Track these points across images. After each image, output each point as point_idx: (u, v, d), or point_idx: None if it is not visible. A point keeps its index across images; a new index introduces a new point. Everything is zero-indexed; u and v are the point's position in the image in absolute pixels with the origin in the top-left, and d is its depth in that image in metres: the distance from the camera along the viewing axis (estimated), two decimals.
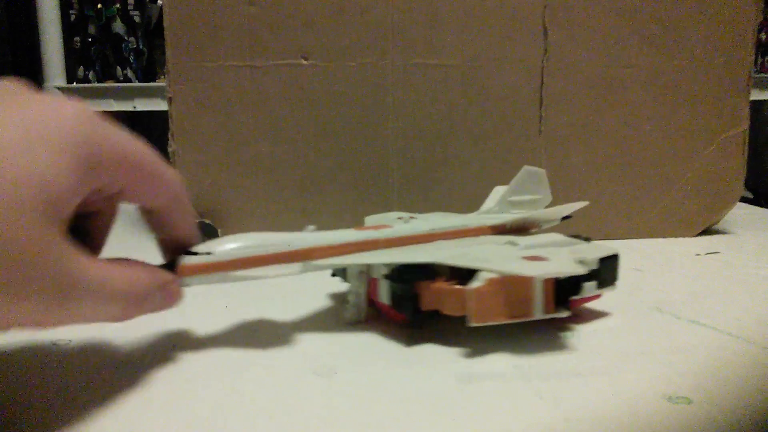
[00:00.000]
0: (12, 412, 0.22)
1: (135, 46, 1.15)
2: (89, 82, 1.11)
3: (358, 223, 0.33)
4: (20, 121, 0.19)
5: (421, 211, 0.38)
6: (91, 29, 1.13)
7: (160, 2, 1.04)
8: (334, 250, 0.28)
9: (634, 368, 0.25)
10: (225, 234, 0.45)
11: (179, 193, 0.24)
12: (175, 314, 0.31)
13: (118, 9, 1.13)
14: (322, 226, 0.29)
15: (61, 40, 1.05)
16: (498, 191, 0.38)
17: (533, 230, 0.35)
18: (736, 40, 0.46)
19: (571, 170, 0.46)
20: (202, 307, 0.31)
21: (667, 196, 0.47)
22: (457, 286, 0.27)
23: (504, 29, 0.44)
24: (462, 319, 0.26)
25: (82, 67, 1.13)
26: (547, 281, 0.26)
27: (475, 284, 0.26)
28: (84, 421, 0.21)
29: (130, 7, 1.14)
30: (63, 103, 0.20)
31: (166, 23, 0.43)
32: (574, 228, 0.35)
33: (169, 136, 0.44)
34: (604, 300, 0.31)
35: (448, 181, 0.46)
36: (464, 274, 0.27)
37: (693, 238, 0.48)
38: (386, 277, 0.28)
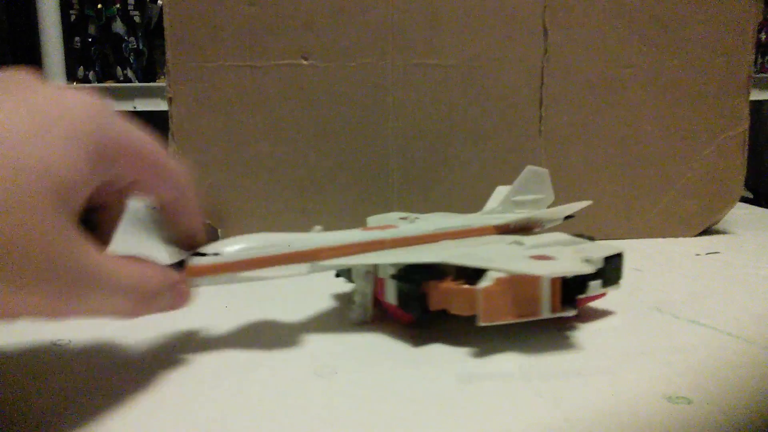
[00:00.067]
0: (12, 412, 0.22)
1: (135, 46, 1.15)
2: (89, 82, 1.11)
3: (358, 223, 0.33)
4: (31, 110, 0.18)
5: (421, 211, 0.38)
6: (92, 29, 1.13)
7: (160, 2, 1.04)
8: (341, 251, 0.28)
9: (634, 368, 0.25)
10: (225, 234, 0.45)
11: (187, 188, 0.24)
12: (176, 314, 0.31)
13: (118, 9, 1.13)
14: (323, 227, 0.29)
15: (61, 40, 1.05)
16: (500, 191, 0.38)
17: (536, 230, 0.35)
18: (736, 40, 0.46)
19: (571, 170, 0.46)
20: (203, 307, 0.31)
21: (666, 196, 0.47)
22: (466, 286, 0.27)
23: (504, 29, 0.44)
24: (467, 319, 0.26)
25: (82, 67, 1.13)
26: (554, 280, 0.27)
27: (484, 283, 0.26)
28: (84, 421, 0.21)
29: (130, 8, 1.14)
30: (74, 94, 0.20)
31: (166, 23, 0.43)
32: (575, 228, 0.35)
33: (169, 136, 0.44)
34: (605, 300, 0.31)
35: (448, 181, 0.46)
36: (470, 274, 0.27)
37: (693, 238, 0.48)
38: (393, 277, 0.28)
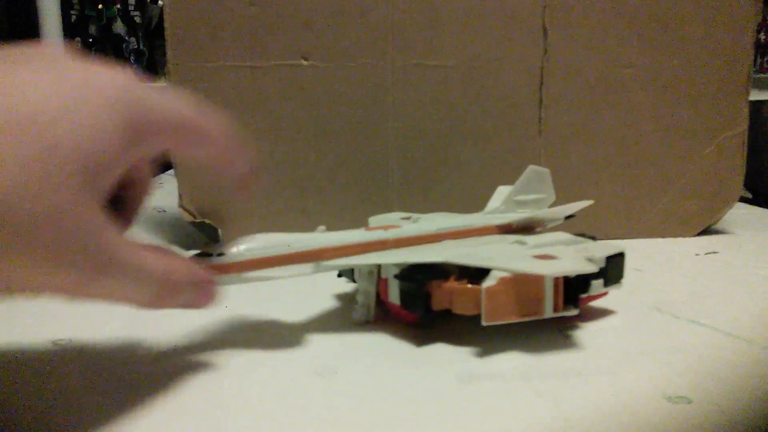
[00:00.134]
0: (12, 412, 0.22)
1: (135, 46, 1.15)
2: None
3: (359, 224, 0.33)
4: (61, 86, 0.18)
5: (421, 211, 0.38)
6: (92, 30, 1.13)
7: (161, 3, 1.04)
8: (345, 251, 0.28)
9: (633, 368, 0.25)
10: (225, 234, 0.45)
11: (224, 141, 0.24)
12: (176, 314, 0.31)
13: (118, 9, 1.13)
14: (326, 227, 0.29)
15: (62, 41, 1.05)
16: (502, 191, 0.38)
17: (538, 229, 0.35)
18: (735, 40, 0.46)
19: (571, 170, 0.46)
20: None
21: (666, 196, 0.47)
22: (469, 286, 0.27)
23: (504, 29, 0.44)
24: (470, 319, 0.26)
25: None
26: (557, 280, 0.27)
27: (488, 283, 0.26)
28: (84, 421, 0.21)
29: (130, 8, 1.14)
30: (105, 70, 0.20)
31: (166, 24, 0.43)
32: (574, 227, 0.35)
33: None
34: (605, 300, 0.31)
35: (448, 181, 0.46)
36: (473, 274, 0.27)
37: (692, 238, 0.48)
38: (396, 276, 0.28)
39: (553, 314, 0.27)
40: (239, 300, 0.33)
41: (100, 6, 1.10)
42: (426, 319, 0.28)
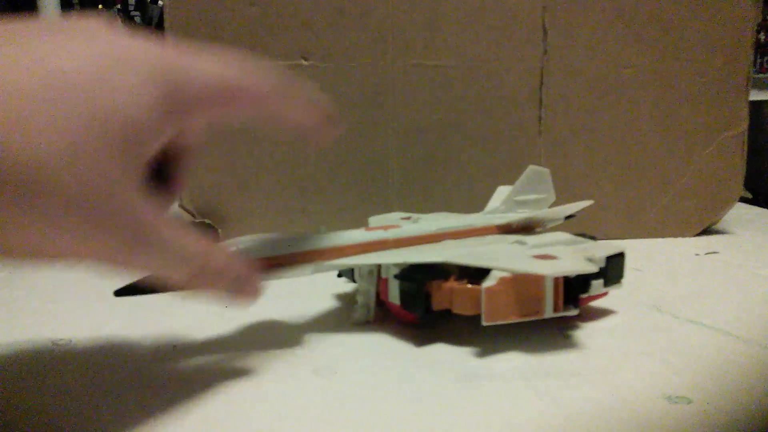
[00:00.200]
0: (12, 412, 0.22)
1: None
2: None
3: (359, 223, 0.33)
4: (99, 55, 0.18)
5: (421, 211, 0.38)
6: None
7: (161, 3, 1.04)
8: (345, 251, 0.28)
9: (633, 368, 0.25)
10: (225, 234, 0.45)
11: (284, 97, 0.23)
12: (176, 314, 0.31)
13: (118, 9, 1.13)
14: (325, 227, 0.29)
15: None
16: (502, 191, 0.38)
17: (538, 229, 0.35)
18: (735, 41, 0.46)
19: (571, 170, 0.46)
20: (203, 307, 0.31)
21: (666, 196, 0.47)
22: (469, 286, 0.27)
23: (504, 30, 0.44)
24: (470, 319, 0.26)
25: None
26: (557, 280, 0.27)
27: (488, 283, 0.26)
28: (84, 421, 0.21)
29: (130, 8, 1.14)
30: (145, 41, 0.19)
31: (167, 24, 0.43)
32: (574, 228, 0.35)
33: None
34: (605, 300, 0.31)
35: (448, 181, 0.46)
36: (473, 274, 0.27)
37: (692, 238, 0.48)
38: (396, 276, 0.28)
39: (553, 314, 0.27)
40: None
41: (100, 6, 1.10)
42: (426, 319, 0.28)
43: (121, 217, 0.18)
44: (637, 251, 0.43)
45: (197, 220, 0.44)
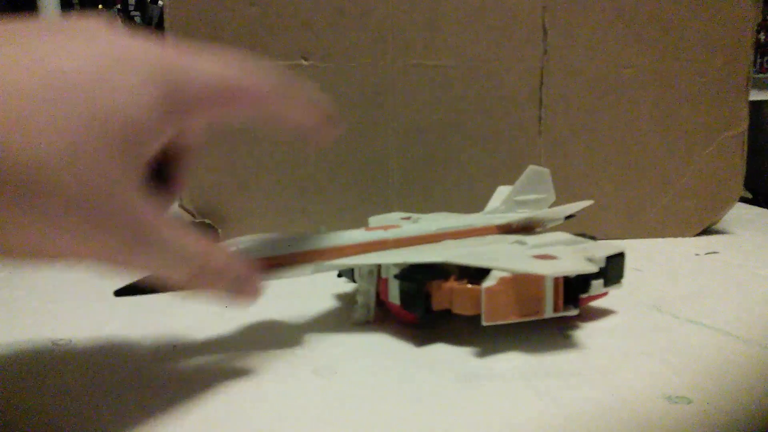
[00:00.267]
0: (12, 412, 0.22)
1: None
2: None
3: (359, 224, 0.33)
4: (100, 56, 0.18)
5: (421, 211, 0.38)
6: None
7: (161, 3, 1.04)
8: (345, 251, 0.28)
9: (633, 368, 0.25)
10: (225, 234, 0.45)
11: (284, 97, 0.23)
12: (176, 314, 0.31)
13: (118, 9, 1.13)
14: (325, 227, 0.29)
15: None
16: (502, 191, 0.38)
17: (538, 229, 0.35)
18: (735, 41, 0.46)
19: (571, 170, 0.46)
20: (203, 307, 0.31)
21: (666, 196, 0.47)
22: (469, 286, 0.27)
23: (504, 30, 0.44)
24: (470, 319, 0.26)
25: None
26: (557, 280, 0.27)
27: (488, 283, 0.26)
28: (84, 421, 0.21)
29: (130, 8, 1.14)
30: (145, 41, 0.19)
31: (167, 24, 0.43)
32: (574, 228, 0.35)
33: None
34: (604, 300, 0.31)
35: (448, 181, 0.46)
36: (473, 274, 0.27)
37: (692, 238, 0.48)
38: (396, 276, 0.28)
39: (553, 314, 0.27)
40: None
41: (100, 6, 1.10)
42: (426, 319, 0.28)
43: (121, 217, 0.18)
44: (637, 251, 0.43)
45: (197, 220, 0.44)
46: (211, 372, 0.25)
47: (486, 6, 0.44)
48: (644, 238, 0.47)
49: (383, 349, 0.27)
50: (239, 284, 0.23)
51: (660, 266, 0.40)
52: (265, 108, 0.23)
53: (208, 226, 0.45)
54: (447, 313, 0.27)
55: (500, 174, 0.43)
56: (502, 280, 0.26)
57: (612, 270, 0.30)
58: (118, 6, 1.11)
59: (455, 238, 0.32)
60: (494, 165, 0.46)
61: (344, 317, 0.31)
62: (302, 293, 0.33)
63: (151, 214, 0.19)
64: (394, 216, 0.37)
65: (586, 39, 0.45)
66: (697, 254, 0.43)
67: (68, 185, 0.16)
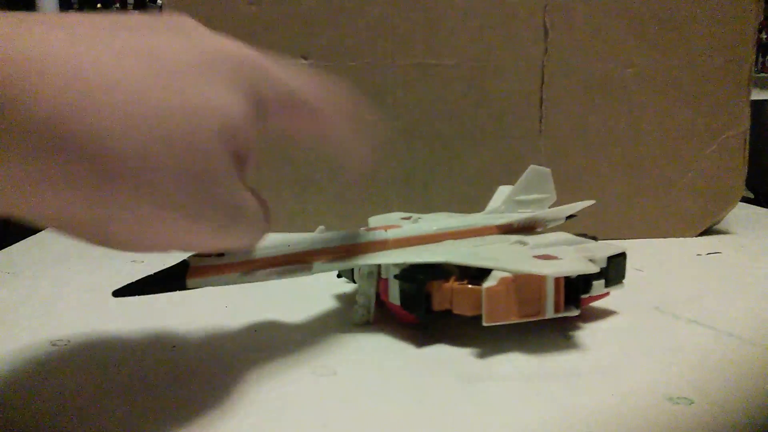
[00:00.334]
0: (12, 412, 0.22)
1: None
2: None
3: (359, 224, 0.33)
4: (197, 50, 0.18)
5: (421, 212, 0.38)
6: None
7: (160, 3, 1.04)
8: (344, 251, 0.28)
9: (635, 368, 0.25)
10: None
11: (337, 124, 0.24)
12: (176, 314, 0.31)
13: (117, 9, 1.13)
14: (325, 227, 0.29)
15: None
16: (503, 191, 0.38)
17: (539, 229, 0.35)
18: (736, 40, 0.46)
19: (572, 170, 0.46)
20: (203, 307, 0.31)
21: (667, 196, 0.47)
22: (470, 286, 0.27)
23: (504, 29, 0.44)
24: (470, 319, 0.26)
25: None
26: (558, 280, 0.27)
27: (488, 283, 0.26)
28: (84, 421, 0.21)
29: (129, 8, 1.14)
30: (234, 41, 0.20)
31: None
32: (575, 228, 0.35)
33: None
34: (605, 300, 0.31)
35: (448, 181, 0.46)
36: (474, 274, 0.27)
37: (694, 238, 0.47)
38: (397, 277, 0.28)
39: (554, 315, 0.27)
40: (239, 300, 0.33)
41: (98, 6, 1.10)
42: (426, 320, 0.28)
43: (222, 201, 0.18)
44: (639, 251, 0.43)
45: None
46: (211, 372, 0.25)
47: (486, 5, 0.44)
48: (645, 238, 0.47)
49: (383, 349, 0.27)
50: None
51: (661, 266, 0.40)
52: (320, 129, 0.24)
53: None
54: (447, 314, 0.27)
55: (500, 174, 0.43)
56: (503, 281, 0.26)
57: (613, 270, 0.30)
58: (117, 6, 1.11)
59: (456, 239, 0.32)
60: (495, 165, 0.45)
61: (344, 317, 0.31)
62: (302, 293, 0.33)
63: (241, 197, 0.20)
64: (394, 216, 0.37)
65: (587, 39, 0.45)
66: (698, 254, 0.43)
67: (174, 173, 0.17)
